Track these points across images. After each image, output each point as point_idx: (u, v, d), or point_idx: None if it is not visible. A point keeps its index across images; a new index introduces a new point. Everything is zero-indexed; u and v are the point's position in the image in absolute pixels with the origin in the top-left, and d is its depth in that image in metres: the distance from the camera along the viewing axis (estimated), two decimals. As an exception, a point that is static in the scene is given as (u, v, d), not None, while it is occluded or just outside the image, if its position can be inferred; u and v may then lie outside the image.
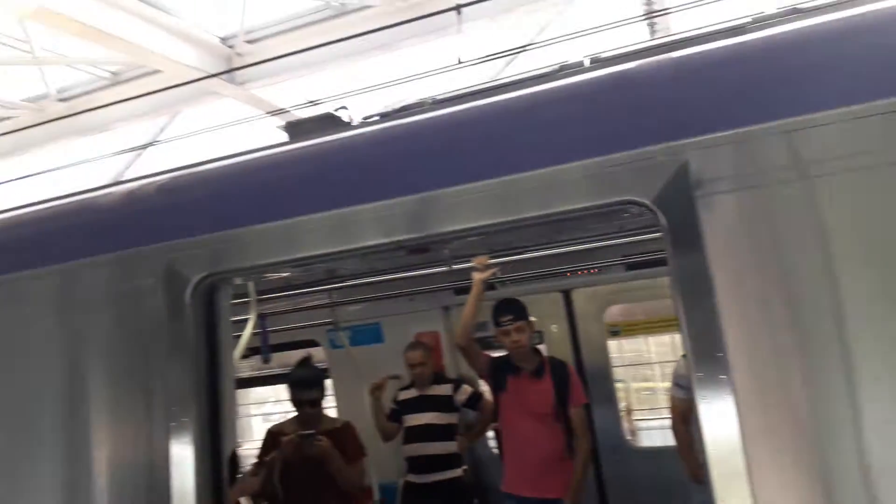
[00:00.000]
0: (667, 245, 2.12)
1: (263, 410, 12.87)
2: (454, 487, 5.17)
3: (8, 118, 9.07)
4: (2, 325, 3.25)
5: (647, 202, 2.15)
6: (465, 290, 5.41)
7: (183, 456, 2.72)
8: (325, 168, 2.94)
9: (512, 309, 4.19)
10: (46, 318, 3.21)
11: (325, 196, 2.78)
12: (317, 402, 4.28)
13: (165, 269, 2.90)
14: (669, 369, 5.63)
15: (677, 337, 7.35)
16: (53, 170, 5.80)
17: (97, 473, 2.96)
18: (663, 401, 8.76)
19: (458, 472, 5.23)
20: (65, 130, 8.91)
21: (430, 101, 3.03)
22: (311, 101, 4.67)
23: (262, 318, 4.97)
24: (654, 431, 7.46)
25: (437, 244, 2.75)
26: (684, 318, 2.05)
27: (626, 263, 5.39)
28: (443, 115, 2.79)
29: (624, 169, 2.19)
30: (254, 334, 3.61)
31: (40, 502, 3.09)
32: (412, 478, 5.28)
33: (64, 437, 3.09)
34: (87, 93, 8.92)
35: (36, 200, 4.30)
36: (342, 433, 4.26)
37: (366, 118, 3.09)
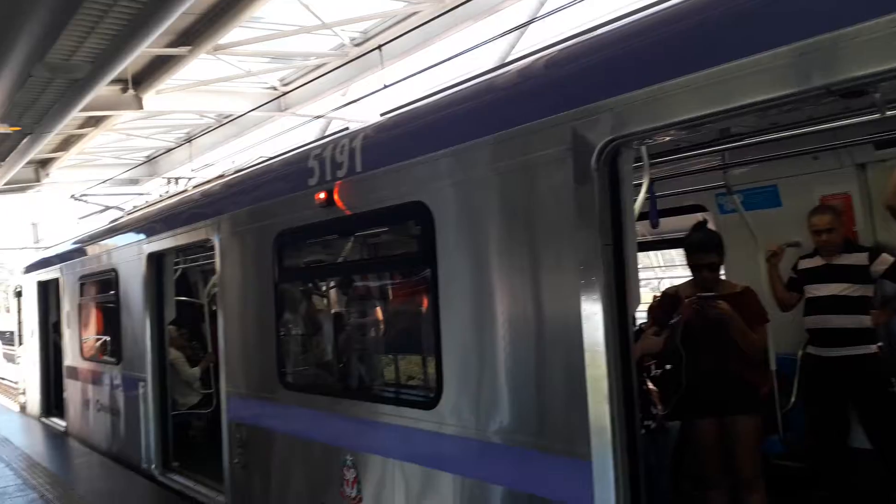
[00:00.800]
0: None
1: (648, 276, 13.20)
2: (866, 364, 4.74)
3: (414, 13, 10.19)
4: (446, 190, 3.78)
5: None
6: (888, 144, 4.65)
7: (593, 311, 2.96)
8: (732, 7, 2.70)
9: None
10: (476, 182, 3.64)
11: (733, 42, 2.59)
12: (715, 266, 4.24)
13: (572, 136, 3.04)
14: None
15: None
16: (455, 56, 6.38)
17: (516, 325, 3.39)
18: None
19: (871, 348, 4.77)
20: (459, 18, 9.69)
21: None
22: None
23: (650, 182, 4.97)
24: None
25: (872, 85, 2.38)
26: None
27: None
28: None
29: None
30: (646, 198, 3.62)
31: (467, 352, 3.66)
32: (814, 350, 4.97)
33: (483, 294, 3.56)
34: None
35: (447, 86, 4.83)
36: (743, 297, 4.18)
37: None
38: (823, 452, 4.86)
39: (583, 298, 2.99)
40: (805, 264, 5.04)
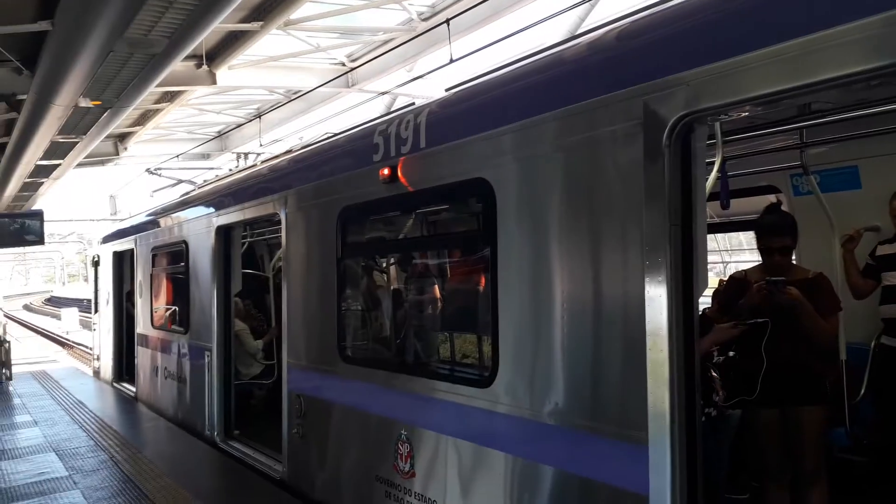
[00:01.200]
0: None
1: (716, 260, 12.86)
2: None
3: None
4: (509, 167, 3.72)
5: None
6: None
7: (657, 294, 2.86)
8: None
9: None
10: (540, 159, 3.57)
11: (819, 12, 2.43)
12: (787, 250, 4.08)
13: (643, 111, 2.94)
14: None
15: None
16: (523, 29, 6.26)
17: (576, 306, 3.31)
18: None
19: None
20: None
21: None
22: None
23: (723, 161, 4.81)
24: None
25: None
26: None
27: None
28: None
29: None
30: (717, 178, 3.49)
31: (524, 332, 3.61)
32: (889, 341, 4.75)
33: (543, 273, 3.50)
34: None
35: (513, 60, 4.75)
36: (815, 284, 4.01)
37: None
38: (892, 447, 4.66)
39: (647, 280, 2.90)
40: (884, 250, 4.81)
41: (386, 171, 4.57)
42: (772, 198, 5.45)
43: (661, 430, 2.83)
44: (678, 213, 2.86)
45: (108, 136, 14.97)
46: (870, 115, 4.32)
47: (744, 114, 3.11)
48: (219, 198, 8.02)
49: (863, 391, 4.97)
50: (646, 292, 2.90)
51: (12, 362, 13.63)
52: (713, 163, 3.14)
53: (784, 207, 5.08)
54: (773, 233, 4.10)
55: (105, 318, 13.33)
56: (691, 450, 2.82)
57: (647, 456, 2.87)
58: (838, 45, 2.35)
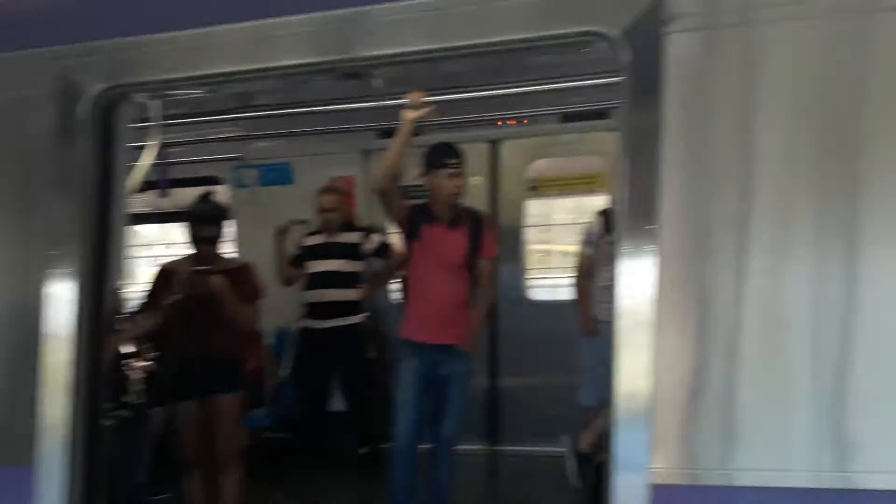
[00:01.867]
0: (627, 89, 1.90)
1: (153, 252, 12.32)
2: (351, 332, 5.22)
3: None
4: None
5: (612, 34, 1.89)
6: (389, 134, 5.17)
7: (61, 290, 2.50)
8: None
9: (458, 152, 4.04)
10: None
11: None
12: (214, 240, 4.14)
13: (56, 79, 2.54)
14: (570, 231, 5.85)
15: (586, 199, 7.25)
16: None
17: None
18: (557, 261, 9.03)
19: (356, 318, 5.26)
20: None
21: None
22: None
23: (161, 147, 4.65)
24: (543, 289, 7.65)
25: (368, 68, 2.50)
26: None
27: (563, 113, 5.23)
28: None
29: None
30: (153, 165, 3.30)
31: None
32: (309, 323, 5.29)
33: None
34: None
35: None
36: (239, 273, 4.15)
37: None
38: (309, 419, 5.22)
39: (50, 275, 2.50)
40: (309, 241, 5.33)
41: None
42: (215, 189, 5.52)
43: (53, 444, 2.48)
44: (94, 198, 2.56)
45: None
46: (303, 114, 4.68)
47: (183, 95, 2.98)
48: None
49: (285, 372, 5.43)
50: (47, 289, 2.50)
51: None
52: (150, 147, 2.95)
53: (220, 198, 5.18)
54: (201, 222, 4.12)
55: None
56: (93, 459, 2.56)
57: (35, 476, 2.47)
58: (270, 38, 2.34)
